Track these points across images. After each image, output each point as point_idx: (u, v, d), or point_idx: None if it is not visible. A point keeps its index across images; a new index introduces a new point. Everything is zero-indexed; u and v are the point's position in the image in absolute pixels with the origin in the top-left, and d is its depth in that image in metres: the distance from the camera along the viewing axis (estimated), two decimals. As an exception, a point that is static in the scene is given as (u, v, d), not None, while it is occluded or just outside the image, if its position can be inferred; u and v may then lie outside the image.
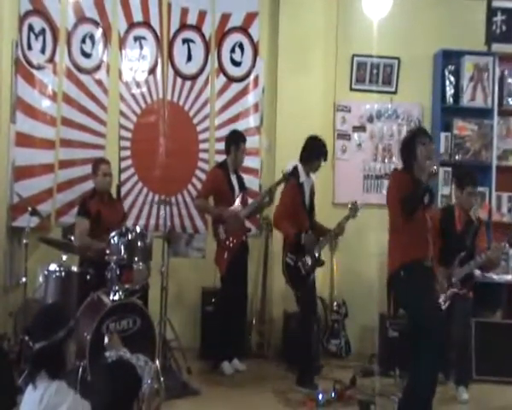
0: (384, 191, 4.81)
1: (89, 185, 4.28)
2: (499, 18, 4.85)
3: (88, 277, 3.67)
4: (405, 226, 3.12)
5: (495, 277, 4.50)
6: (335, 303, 4.61)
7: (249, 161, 4.55)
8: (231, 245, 4.14)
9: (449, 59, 4.85)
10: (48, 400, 1.98)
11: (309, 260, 3.89)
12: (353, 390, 3.78)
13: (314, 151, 3.98)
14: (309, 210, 4.04)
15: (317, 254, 3.95)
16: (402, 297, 3.25)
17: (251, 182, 4.60)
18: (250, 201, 4.32)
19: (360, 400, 3.63)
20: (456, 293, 3.89)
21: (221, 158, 4.47)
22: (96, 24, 4.63)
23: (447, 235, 3.97)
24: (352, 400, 3.67)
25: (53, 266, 3.61)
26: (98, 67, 4.65)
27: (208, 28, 4.78)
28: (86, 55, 4.63)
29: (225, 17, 4.79)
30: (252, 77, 4.82)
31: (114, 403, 1.90)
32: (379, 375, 4.13)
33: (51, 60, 4.58)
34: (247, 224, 4.44)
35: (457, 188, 4.04)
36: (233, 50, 4.80)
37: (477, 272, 4.35)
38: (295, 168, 4.03)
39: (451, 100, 4.84)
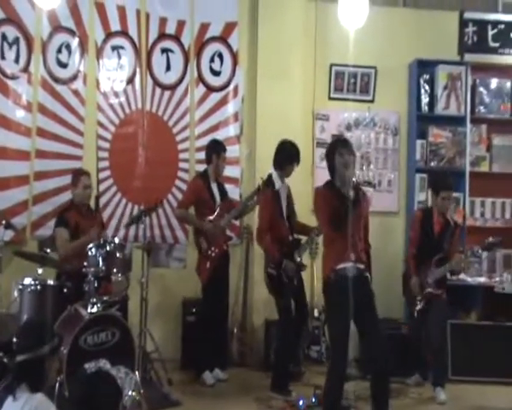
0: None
1: (65, 197, 4.24)
2: (471, 29, 4.99)
3: (65, 290, 3.61)
4: (327, 235, 3.20)
5: (469, 279, 4.63)
6: (316, 310, 4.65)
7: (229, 170, 4.57)
8: (213, 254, 4.14)
9: (424, 68, 4.97)
10: None
11: (291, 263, 3.91)
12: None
13: (286, 156, 4.03)
14: (288, 216, 4.06)
15: (298, 259, 3.98)
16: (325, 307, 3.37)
17: (231, 191, 4.60)
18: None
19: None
20: (431, 293, 4.01)
21: (201, 167, 4.48)
22: (73, 33, 4.59)
23: (425, 236, 4.11)
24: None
25: (28, 280, 3.53)
26: (75, 77, 4.60)
27: (187, 38, 4.78)
28: (62, 65, 4.58)
29: (204, 27, 4.81)
30: (231, 86, 4.84)
31: None
32: (358, 379, 4.18)
33: (26, 69, 4.51)
34: (228, 232, 4.44)
35: (433, 192, 4.22)
36: (212, 60, 4.82)
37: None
38: (270, 176, 4.06)
39: (426, 108, 4.96)
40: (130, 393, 2.66)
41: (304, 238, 4.09)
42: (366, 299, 3.13)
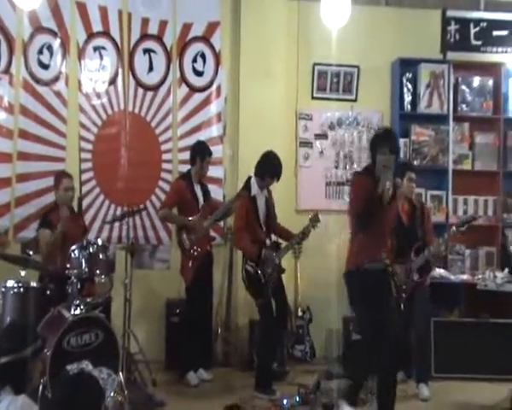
0: (346, 197, 4.96)
1: (48, 199, 4.22)
2: (453, 27, 5.02)
3: (48, 292, 3.60)
4: (359, 229, 3.21)
5: (452, 277, 4.66)
6: (300, 309, 4.67)
7: (212, 171, 4.55)
8: (196, 254, 4.14)
9: (406, 67, 4.99)
10: None
11: (269, 268, 3.93)
12: (317, 394, 3.82)
13: (268, 168, 4.02)
14: (266, 222, 4.07)
15: (277, 262, 3.99)
16: (351, 299, 3.37)
17: (214, 192, 4.61)
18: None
19: (324, 403, 3.71)
20: (416, 283, 4.00)
21: (184, 168, 4.48)
22: (54, 34, 4.56)
23: (397, 231, 4.00)
24: (317, 403, 3.71)
25: (10, 283, 3.52)
26: (57, 78, 4.57)
27: (170, 38, 4.77)
28: (44, 66, 4.55)
29: (187, 27, 4.80)
30: (214, 86, 4.83)
31: None
32: (342, 377, 4.22)
33: (7, 71, 4.48)
34: (212, 233, 4.45)
35: (398, 177, 4.12)
36: (195, 60, 4.81)
37: (435, 272, 4.52)
38: (248, 180, 4.07)
39: (409, 107, 4.98)
40: (112, 394, 2.66)
41: (284, 243, 4.10)
42: (390, 295, 3.27)
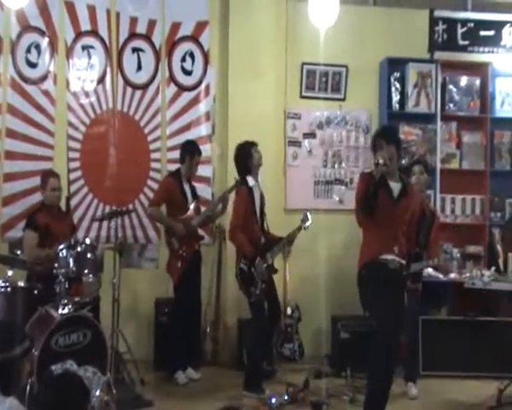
0: (335, 196, 4.99)
1: (36, 198, 4.20)
2: (441, 27, 5.05)
3: (36, 291, 3.58)
4: (368, 225, 3.20)
5: (440, 276, 4.68)
6: (289, 308, 4.67)
7: (201, 170, 4.55)
8: (184, 254, 4.14)
9: (394, 66, 5.02)
10: None
11: (262, 268, 3.94)
12: (306, 392, 3.85)
13: (244, 156, 4.04)
14: (260, 217, 4.08)
15: (270, 262, 4.00)
16: (360, 296, 3.30)
17: (203, 190, 4.62)
18: (203, 209, 4.35)
19: (313, 401, 3.73)
20: (407, 289, 3.90)
21: (173, 167, 4.47)
22: (42, 33, 4.54)
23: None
24: (305, 402, 3.75)
25: (-2, 282, 3.52)
26: (45, 77, 4.55)
27: (158, 37, 4.76)
28: (32, 65, 4.53)
29: (175, 26, 4.79)
30: (203, 85, 4.84)
31: None
32: (331, 376, 4.24)
33: (-6, 70, 4.47)
34: (200, 232, 4.44)
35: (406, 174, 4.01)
36: (184, 59, 4.81)
37: (429, 271, 4.54)
38: (243, 178, 4.06)
39: (397, 106, 5.01)
40: (98, 393, 2.65)
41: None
42: (399, 294, 3.20)
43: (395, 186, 3.19)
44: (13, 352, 2.05)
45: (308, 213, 4.13)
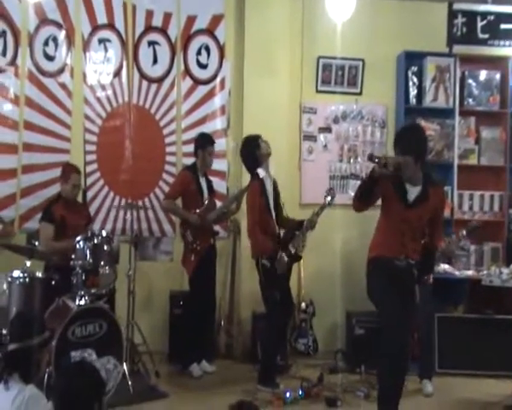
0: (350, 191, 4.95)
1: (53, 190, 4.25)
2: (460, 20, 4.97)
3: (53, 282, 3.62)
4: (381, 221, 3.21)
5: (456, 272, 4.63)
6: (303, 303, 4.66)
7: (216, 164, 4.55)
8: (198, 248, 4.15)
9: (412, 60, 4.94)
10: (20, 402, 2.00)
11: (285, 258, 3.90)
12: (320, 388, 3.85)
13: (249, 150, 4.02)
14: (274, 208, 4.04)
15: (292, 251, 3.96)
16: (368, 291, 3.28)
17: (218, 185, 4.61)
18: (218, 204, 4.35)
19: (327, 396, 3.73)
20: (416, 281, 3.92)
21: (188, 161, 4.48)
22: (59, 26, 4.57)
23: None
24: (319, 397, 3.75)
25: (16, 273, 3.55)
26: (62, 70, 4.59)
27: (174, 30, 4.76)
28: (49, 58, 4.57)
29: (191, 19, 4.79)
30: (218, 79, 4.83)
31: (72, 404, 1.89)
32: (345, 372, 4.22)
33: (13, 63, 4.50)
34: (215, 227, 4.44)
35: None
36: (199, 53, 4.80)
37: (445, 267, 4.49)
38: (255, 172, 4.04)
39: (414, 100, 4.93)
40: (113, 386, 2.65)
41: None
42: (408, 293, 3.17)
43: (413, 190, 3.11)
44: (31, 341, 2.10)
45: (333, 189, 4.05)
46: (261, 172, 4.01)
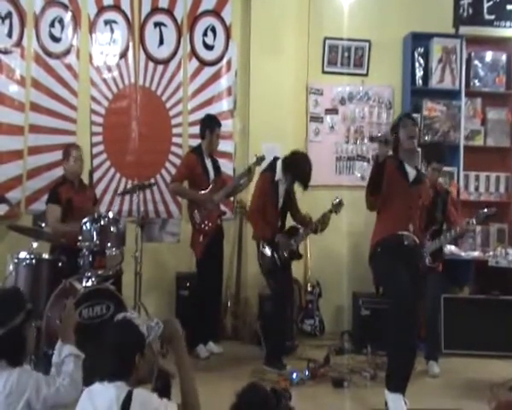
0: (356, 173, 4.94)
1: (59, 172, 4.23)
2: (466, 1, 4.92)
3: (60, 264, 3.63)
4: (383, 206, 3.22)
5: (462, 253, 4.63)
6: (309, 284, 4.67)
7: (223, 145, 4.54)
8: (207, 228, 4.15)
9: (418, 41, 4.92)
10: (11, 388, 1.97)
11: (286, 253, 3.93)
12: (327, 368, 3.85)
13: (300, 177, 3.96)
14: (282, 208, 4.04)
15: (294, 248, 3.98)
16: (376, 273, 3.30)
17: (225, 166, 4.60)
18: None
19: (333, 377, 3.73)
20: (428, 268, 3.94)
21: (194, 142, 4.47)
22: (65, 7, 4.55)
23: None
24: (326, 378, 3.75)
25: (23, 254, 3.55)
26: (68, 52, 4.58)
27: (180, 12, 4.74)
28: (55, 39, 4.55)
29: (197, 0, 4.75)
30: (224, 60, 4.81)
31: (115, 356, 1.94)
32: (352, 353, 4.23)
33: (19, 44, 4.49)
34: (222, 207, 4.45)
35: (425, 161, 4.16)
36: (205, 34, 4.78)
37: (451, 249, 4.50)
38: (275, 160, 4.02)
39: (421, 82, 4.91)
40: (151, 338, 2.66)
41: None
42: (415, 271, 3.21)
43: (411, 171, 3.26)
44: (14, 322, 2.00)
45: (340, 199, 4.05)
46: (279, 174, 3.97)
